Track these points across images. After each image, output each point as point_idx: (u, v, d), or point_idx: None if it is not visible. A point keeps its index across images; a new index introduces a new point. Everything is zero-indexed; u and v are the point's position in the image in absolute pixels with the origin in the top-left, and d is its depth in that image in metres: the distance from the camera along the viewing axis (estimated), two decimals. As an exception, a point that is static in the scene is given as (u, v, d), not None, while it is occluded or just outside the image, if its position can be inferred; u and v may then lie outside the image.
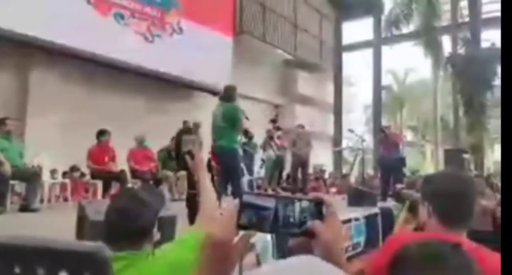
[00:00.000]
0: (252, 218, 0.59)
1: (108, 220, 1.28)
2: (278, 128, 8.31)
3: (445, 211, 1.14)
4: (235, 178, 4.33)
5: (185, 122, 7.47)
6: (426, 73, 20.72)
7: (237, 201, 0.59)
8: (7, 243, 0.29)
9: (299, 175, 8.22)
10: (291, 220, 0.60)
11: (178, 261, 1.26)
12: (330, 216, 0.60)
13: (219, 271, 0.57)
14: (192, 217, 2.88)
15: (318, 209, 0.61)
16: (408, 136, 28.08)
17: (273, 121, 8.25)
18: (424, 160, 25.38)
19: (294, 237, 0.61)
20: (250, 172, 8.52)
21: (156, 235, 1.33)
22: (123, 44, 8.51)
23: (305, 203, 0.61)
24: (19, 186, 5.25)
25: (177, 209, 2.95)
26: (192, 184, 2.67)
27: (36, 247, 0.29)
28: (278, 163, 8.71)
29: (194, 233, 1.34)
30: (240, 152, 4.42)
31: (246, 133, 7.44)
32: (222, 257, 0.57)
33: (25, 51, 7.50)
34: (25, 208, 4.68)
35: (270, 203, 0.59)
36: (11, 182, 4.80)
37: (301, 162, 8.06)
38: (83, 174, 6.99)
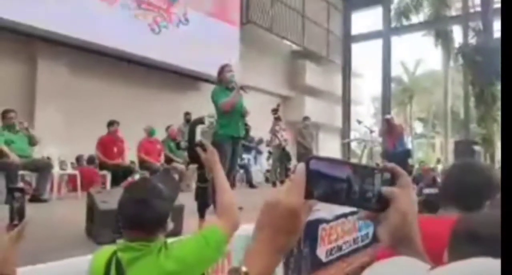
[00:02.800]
0: (322, 189, 0.53)
1: (123, 210, 1.28)
2: (278, 118, 8.27)
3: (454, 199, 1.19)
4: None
5: (186, 114, 7.48)
6: (436, 64, 20.50)
7: (303, 166, 0.53)
8: None
9: None
10: (369, 194, 0.53)
11: (197, 256, 1.27)
12: (406, 186, 0.54)
13: (282, 242, 0.53)
14: (202, 211, 2.86)
15: (393, 181, 0.54)
16: (418, 127, 27.87)
17: (275, 110, 8.19)
18: (434, 152, 25.17)
19: (370, 211, 0.55)
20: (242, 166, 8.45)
21: (170, 225, 1.33)
22: (129, 35, 8.51)
23: (386, 175, 0.54)
24: (29, 177, 5.30)
25: (185, 200, 2.96)
26: (203, 177, 2.65)
27: None
28: (284, 155, 8.70)
29: (214, 231, 1.33)
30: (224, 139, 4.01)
31: (245, 124, 7.37)
32: (286, 226, 0.53)
33: (32, 43, 7.53)
34: (35, 198, 4.73)
35: (342, 172, 0.53)
36: (21, 172, 4.86)
37: (306, 154, 8.04)
38: (92, 164, 7.04)
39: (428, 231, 1.07)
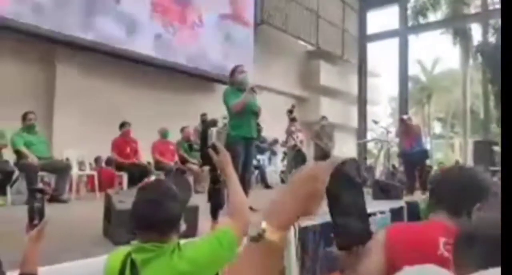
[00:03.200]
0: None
1: (136, 211, 1.30)
2: (293, 119, 8.24)
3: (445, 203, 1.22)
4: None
5: (203, 115, 7.53)
6: (455, 62, 20.10)
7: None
8: None
9: None
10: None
11: (210, 258, 1.28)
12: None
13: (302, 202, 0.58)
14: (214, 213, 2.88)
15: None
16: (436, 128, 27.39)
17: (290, 112, 8.15)
18: (453, 153, 24.68)
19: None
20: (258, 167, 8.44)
21: (182, 226, 1.34)
22: (145, 37, 8.62)
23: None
24: (48, 177, 5.42)
25: (200, 201, 2.98)
26: (215, 178, 2.66)
27: None
28: (299, 156, 8.66)
29: (227, 232, 1.34)
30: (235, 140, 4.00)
31: (257, 125, 7.35)
32: (306, 188, 0.58)
33: (50, 46, 7.69)
34: (55, 198, 4.84)
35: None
36: (41, 173, 4.98)
37: (324, 155, 7.98)
38: (109, 165, 7.16)
39: (420, 236, 1.11)
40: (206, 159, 5.53)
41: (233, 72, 4.12)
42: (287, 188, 0.60)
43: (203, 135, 6.05)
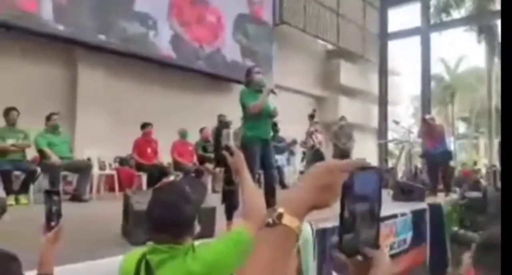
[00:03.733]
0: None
1: (150, 213, 1.30)
2: (315, 122, 8.22)
3: None
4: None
5: (220, 116, 7.55)
6: (480, 60, 19.52)
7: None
8: None
9: None
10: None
11: (225, 259, 1.26)
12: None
13: (318, 194, 0.58)
14: (229, 213, 2.88)
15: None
16: (460, 127, 26.70)
17: (312, 116, 8.12)
18: (477, 154, 24.01)
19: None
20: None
21: (197, 228, 1.34)
22: (162, 38, 8.71)
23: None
24: (70, 177, 5.54)
25: (218, 201, 2.98)
26: (229, 180, 2.66)
27: None
28: (318, 156, 8.59)
29: (242, 233, 1.33)
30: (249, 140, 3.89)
31: (274, 125, 7.31)
32: (323, 180, 0.58)
33: (72, 47, 7.86)
34: (76, 198, 4.93)
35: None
36: (64, 173, 5.08)
37: (342, 155, 7.88)
38: (130, 166, 7.26)
39: None
40: (220, 161, 5.53)
41: (249, 72, 4.11)
42: (304, 177, 0.60)
43: (217, 137, 6.08)
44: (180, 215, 1.26)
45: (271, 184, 3.95)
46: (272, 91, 3.91)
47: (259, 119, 3.92)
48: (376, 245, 0.60)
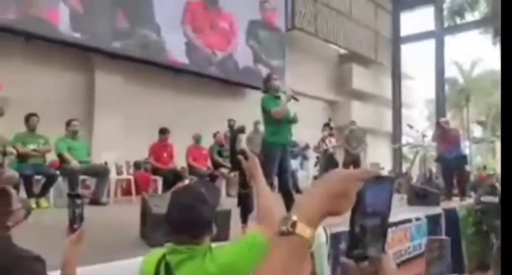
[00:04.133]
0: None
1: (170, 215, 1.34)
2: (330, 129, 8.29)
3: None
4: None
5: (230, 120, 7.62)
6: (495, 63, 19.20)
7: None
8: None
9: None
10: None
11: (240, 262, 1.30)
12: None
13: (333, 201, 0.58)
14: (244, 217, 2.92)
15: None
16: (476, 131, 26.24)
17: (327, 125, 8.19)
18: (494, 157, 23.55)
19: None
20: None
21: (214, 230, 1.37)
22: (176, 44, 8.84)
23: None
24: (89, 181, 5.66)
25: (233, 205, 3.02)
26: (244, 183, 2.70)
27: None
28: (332, 161, 8.58)
29: (257, 237, 1.35)
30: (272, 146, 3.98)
31: None
32: (338, 187, 0.58)
33: (91, 55, 8.05)
34: (94, 201, 5.04)
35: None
36: (82, 177, 5.21)
37: (352, 160, 7.87)
38: (146, 170, 7.36)
39: None
40: (235, 165, 5.59)
41: (269, 79, 4.19)
42: (317, 184, 0.60)
43: (232, 142, 6.14)
44: (198, 216, 1.29)
45: (288, 187, 4.03)
46: (294, 97, 4.00)
47: (280, 125, 4.00)
48: (383, 250, 0.61)
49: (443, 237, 4.15)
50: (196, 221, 1.30)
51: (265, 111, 4.01)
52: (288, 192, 4.01)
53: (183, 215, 1.30)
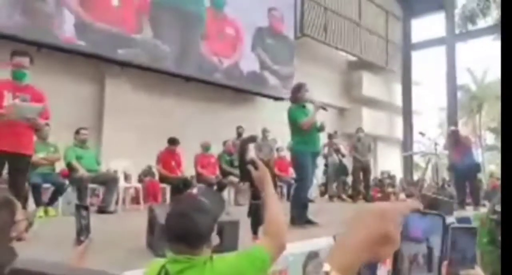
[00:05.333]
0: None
1: (167, 223, 1.33)
2: (334, 137, 8.31)
3: None
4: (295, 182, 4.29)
5: (238, 128, 7.60)
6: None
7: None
8: (29, 270, 0.28)
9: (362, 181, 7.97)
10: None
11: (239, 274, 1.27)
12: None
13: (372, 246, 0.51)
14: (255, 228, 2.88)
15: None
16: (489, 139, 25.85)
17: (330, 136, 8.22)
18: (508, 165, 23.10)
19: None
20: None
21: (215, 239, 1.35)
22: (186, 56, 8.90)
23: None
24: (97, 190, 5.66)
25: (242, 214, 2.98)
26: (256, 194, 2.66)
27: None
28: (341, 169, 8.51)
29: (260, 251, 1.33)
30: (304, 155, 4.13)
31: None
32: (379, 229, 0.51)
33: (99, 64, 8.13)
34: (102, 210, 5.03)
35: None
36: (91, 185, 5.21)
37: (362, 168, 7.79)
38: (151, 177, 7.36)
39: None
40: (245, 175, 5.57)
41: (298, 89, 4.25)
42: (353, 225, 0.52)
43: (241, 151, 6.11)
44: (195, 226, 1.27)
45: (306, 199, 4.09)
46: (323, 108, 4.10)
47: (309, 133, 4.08)
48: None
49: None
50: (192, 231, 1.27)
51: (292, 121, 4.10)
52: (305, 201, 4.06)
53: (179, 224, 1.28)
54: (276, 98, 10.87)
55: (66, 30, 7.15)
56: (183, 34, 8.92)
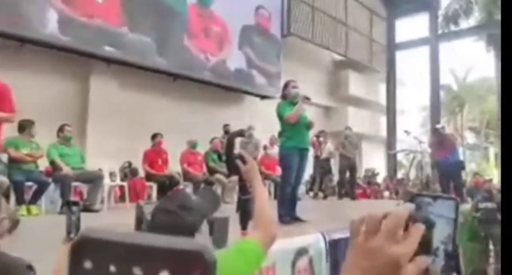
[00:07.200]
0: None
1: (152, 220, 1.31)
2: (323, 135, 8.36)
3: None
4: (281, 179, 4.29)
5: (225, 126, 7.58)
6: (489, 70, 19.39)
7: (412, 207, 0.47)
8: (101, 239, 0.26)
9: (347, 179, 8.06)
10: None
11: (233, 270, 1.25)
12: None
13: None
14: (244, 223, 2.87)
15: None
16: (470, 138, 26.42)
17: (317, 136, 8.28)
18: (487, 163, 23.70)
19: None
20: None
21: (199, 238, 1.30)
22: (170, 49, 8.80)
23: None
24: (81, 187, 5.56)
25: (229, 212, 2.97)
26: (244, 189, 2.65)
27: (135, 243, 0.25)
28: (324, 166, 8.59)
29: (252, 244, 1.32)
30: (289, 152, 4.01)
31: None
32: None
33: (85, 61, 7.99)
34: (87, 208, 4.94)
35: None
36: (75, 183, 5.11)
37: (349, 166, 7.87)
38: (133, 175, 7.25)
39: None
40: (232, 169, 5.55)
41: (287, 86, 4.25)
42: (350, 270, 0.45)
43: (229, 145, 6.09)
44: (177, 223, 1.25)
45: (294, 195, 4.06)
46: (306, 98, 4.04)
47: (297, 129, 4.04)
48: None
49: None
50: (175, 228, 1.24)
51: (280, 116, 4.07)
52: (293, 201, 4.03)
53: (163, 221, 1.26)
54: (263, 97, 10.88)
55: (49, 25, 6.99)
56: (169, 32, 8.83)
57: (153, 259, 0.25)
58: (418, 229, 0.42)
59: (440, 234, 0.47)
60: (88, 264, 0.25)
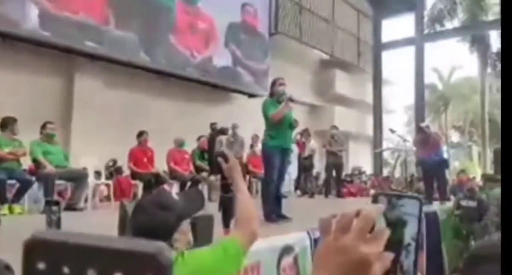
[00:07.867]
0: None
1: (131, 218, 1.32)
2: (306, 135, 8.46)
3: None
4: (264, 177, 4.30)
5: (212, 124, 7.56)
6: (473, 70, 19.75)
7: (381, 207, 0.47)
8: (55, 240, 0.26)
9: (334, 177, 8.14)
10: None
11: (214, 267, 1.26)
12: None
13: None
14: (226, 221, 2.87)
15: None
16: (454, 136, 26.89)
17: (301, 134, 8.36)
18: (471, 161, 24.14)
19: None
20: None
21: (177, 237, 1.29)
22: (157, 47, 8.73)
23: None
24: (64, 186, 5.48)
25: (214, 209, 2.96)
26: (226, 187, 2.66)
27: (88, 245, 0.25)
28: (307, 165, 8.67)
29: (233, 242, 1.33)
30: (271, 150, 3.98)
31: None
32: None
33: (70, 58, 7.87)
34: (71, 207, 4.87)
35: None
36: (58, 182, 5.03)
37: (336, 164, 7.93)
38: (119, 173, 7.17)
39: None
40: (214, 167, 5.54)
41: (274, 84, 4.20)
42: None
43: (211, 143, 6.07)
44: (154, 222, 1.24)
45: (278, 193, 4.07)
46: (290, 99, 4.00)
47: (280, 128, 4.01)
48: None
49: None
50: (152, 228, 1.24)
51: (264, 114, 4.03)
52: (278, 198, 4.03)
53: (140, 220, 1.26)
54: (251, 95, 10.87)
55: (30, 20, 6.85)
56: (155, 28, 8.75)
57: (107, 261, 0.25)
58: (384, 233, 0.45)
59: (411, 231, 0.49)
60: (41, 265, 0.25)
